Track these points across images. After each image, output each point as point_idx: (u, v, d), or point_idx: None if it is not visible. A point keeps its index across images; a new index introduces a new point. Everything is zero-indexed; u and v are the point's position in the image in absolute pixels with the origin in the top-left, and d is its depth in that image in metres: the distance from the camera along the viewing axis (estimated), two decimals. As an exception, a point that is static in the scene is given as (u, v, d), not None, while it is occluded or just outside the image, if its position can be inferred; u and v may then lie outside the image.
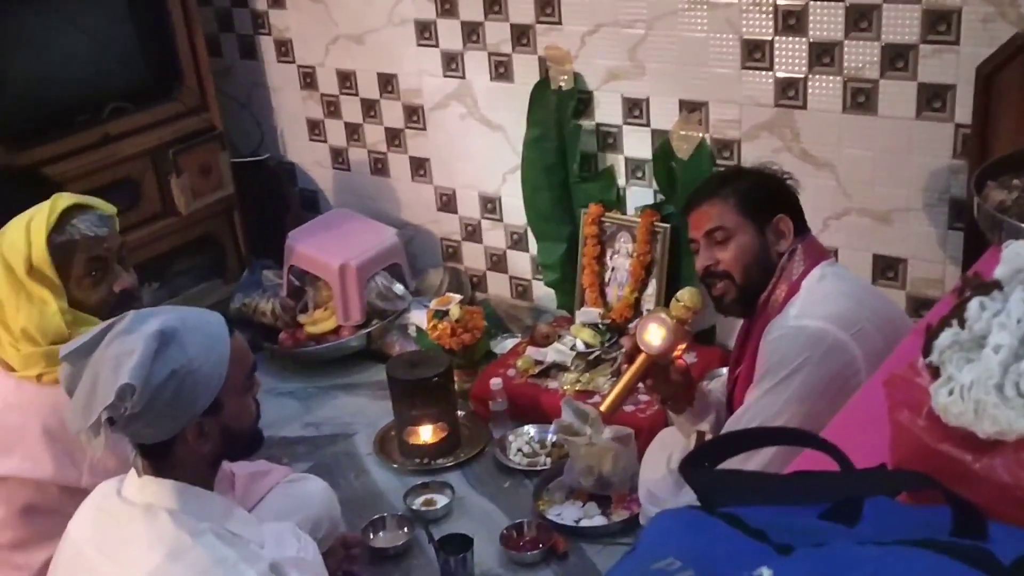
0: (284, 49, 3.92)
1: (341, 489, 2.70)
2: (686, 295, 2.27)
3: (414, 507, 2.79)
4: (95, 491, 1.82)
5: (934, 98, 2.65)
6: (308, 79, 3.90)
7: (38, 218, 2.15)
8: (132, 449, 1.75)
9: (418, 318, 3.50)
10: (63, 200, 2.21)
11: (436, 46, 3.48)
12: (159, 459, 1.72)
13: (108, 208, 2.27)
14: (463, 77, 3.47)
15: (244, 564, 1.67)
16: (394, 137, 3.76)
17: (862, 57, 2.71)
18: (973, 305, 0.97)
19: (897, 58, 2.66)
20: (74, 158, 3.39)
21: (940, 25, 2.57)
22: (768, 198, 2.22)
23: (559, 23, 3.18)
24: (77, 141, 3.42)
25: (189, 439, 1.71)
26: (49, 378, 2.10)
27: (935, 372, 0.97)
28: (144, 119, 3.59)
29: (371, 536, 2.68)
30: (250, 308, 3.68)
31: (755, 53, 2.86)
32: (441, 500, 2.81)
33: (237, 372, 1.76)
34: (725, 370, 2.65)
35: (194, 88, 3.72)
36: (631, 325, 3.18)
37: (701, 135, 3.03)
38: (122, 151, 3.53)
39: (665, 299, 3.04)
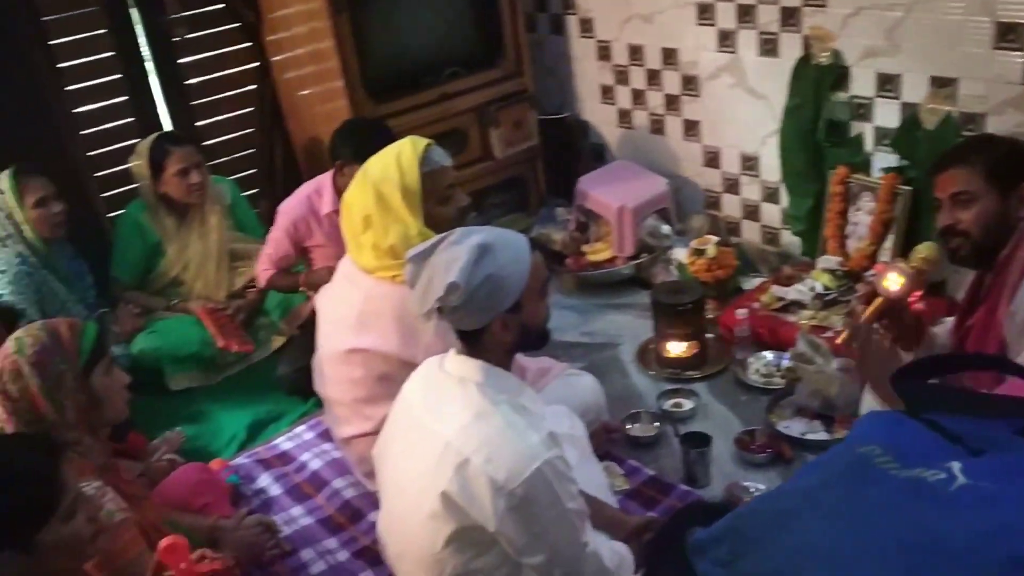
0: (586, 26, 3.96)
1: (606, 386, 2.74)
2: (925, 249, 2.15)
3: (664, 407, 2.83)
4: (423, 364, 1.94)
5: None
6: (604, 51, 3.93)
7: (406, 153, 2.28)
8: (454, 337, 1.87)
9: (680, 254, 3.49)
10: (421, 139, 2.35)
11: (713, 25, 3.42)
12: (472, 343, 1.82)
13: None
14: (734, 52, 3.39)
15: (530, 430, 1.73)
16: (671, 102, 3.74)
17: (1116, 40, 2.42)
18: None
19: None
20: (418, 111, 3.61)
21: None
22: (1015, 167, 2.04)
23: (824, 6, 3.03)
24: (422, 98, 3.64)
25: (495, 330, 1.79)
26: (399, 279, 2.24)
27: None
28: (473, 81, 3.75)
29: (628, 426, 2.74)
30: (545, 237, 3.80)
31: (1008, 35, 2.62)
32: (687, 404, 2.83)
33: (535, 281, 1.82)
34: (951, 319, 2.49)
35: (513, 57, 3.85)
36: (867, 274, 3.05)
37: (948, 109, 2.82)
38: (455, 107, 3.72)
39: (901, 253, 2.88)
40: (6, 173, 2.97)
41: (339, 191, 2.92)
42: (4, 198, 2.95)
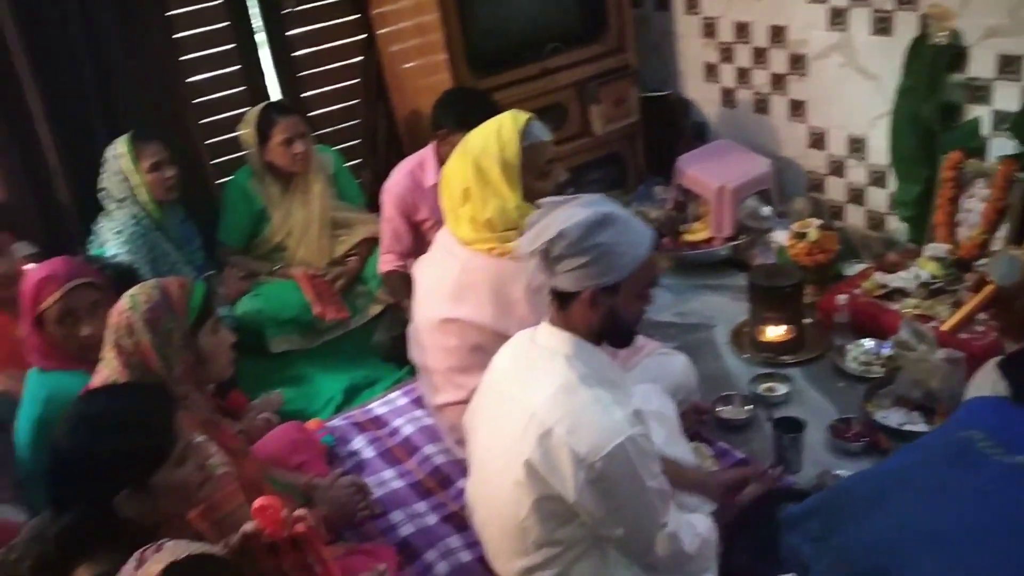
0: (692, 2, 3.90)
1: (698, 367, 2.71)
2: None
3: (757, 391, 2.79)
4: (515, 335, 1.98)
5: None
6: (709, 29, 3.87)
7: (507, 127, 2.30)
8: (547, 312, 1.89)
9: (779, 237, 3.43)
10: (522, 113, 2.36)
11: (824, 2, 3.32)
12: (562, 309, 1.83)
13: None
14: (846, 31, 3.29)
15: (615, 405, 1.74)
16: (777, 81, 3.66)
17: None
18: None
19: None
20: (519, 85, 3.61)
21: None
22: None
23: (944, -17, 2.92)
24: (523, 73, 3.64)
25: (584, 299, 1.78)
26: (496, 252, 2.29)
27: None
28: (575, 57, 3.74)
29: (719, 408, 2.72)
30: (642, 215, 3.76)
31: None
32: (781, 389, 2.79)
33: (641, 276, 1.81)
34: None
35: (616, 33, 3.82)
36: (977, 263, 2.94)
37: (1074, 92, 2.69)
38: (555, 82, 3.71)
39: (1015, 243, 2.77)
40: (124, 137, 3.11)
41: (442, 162, 2.96)
42: (121, 161, 3.09)
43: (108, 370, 1.99)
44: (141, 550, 1.30)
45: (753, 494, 2.08)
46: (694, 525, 1.88)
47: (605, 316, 1.82)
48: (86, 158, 3.23)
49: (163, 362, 1.96)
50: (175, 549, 1.29)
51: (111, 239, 3.06)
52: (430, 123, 3.11)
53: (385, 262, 3.26)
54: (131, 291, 2.03)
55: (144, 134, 3.16)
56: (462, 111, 2.90)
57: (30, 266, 2.77)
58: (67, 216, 3.35)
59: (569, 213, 1.78)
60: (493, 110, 2.47)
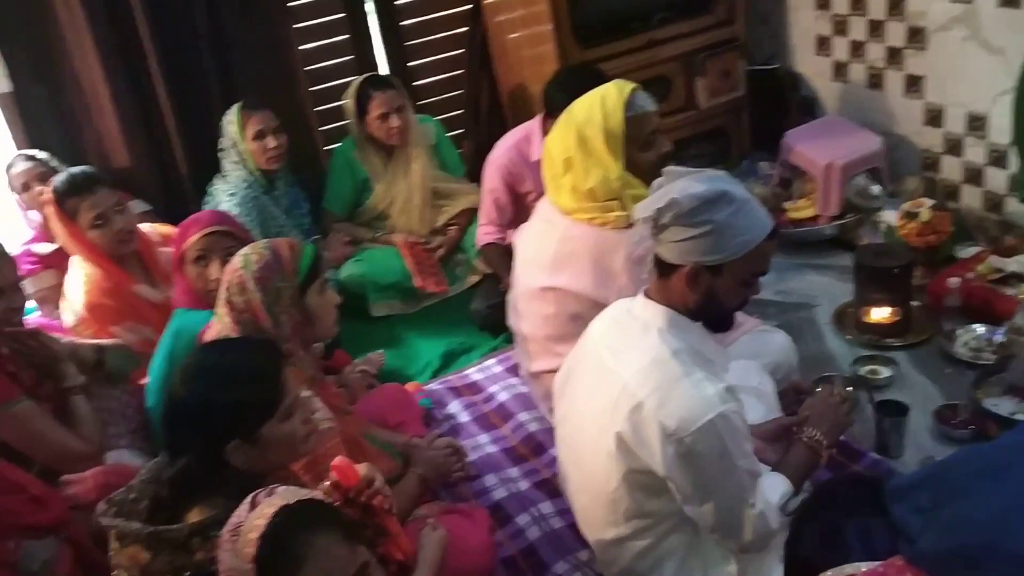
0: (806, -27, 3.80)
1: (799, 347, 2.65)
2: None
3: (859, 373, 2.72)
4: (613, 305, 1.98)
5: None
6: (823, 0, 3.75)
7: (612, 96, 2.28)
8: (646, 282, 1.89)
9: (889, 217, 3.31)
10: (627, 83, 2.34)
11: (948, -27, 3.19)
12: (662, 279, 1.82)
13: None
14: (970, 2, 3.15)
15: (707, 381, 1.72)
16: (894, 55, 3.52)
17: None
18: None
19: None
20: (624, 57, 3.57)
21: None
22: None
23: (1080, -48, 2.76)
24: (629, 44, 3.59)
25: (684, 274, 1.77)
26: (597, 222, 2.29)
27: None
28: (682, 28, 3.67)
29: (819, 388, 2.65)
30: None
31: None
32: (884, 372, 2.72)
33: (748, 263, 1.78)
34: None
35: (725, 4, 3.74)
36: (1103, 249, 2.80)
37: None
38: (662, 54, 3.66)
39: None
40: (236, 106, 3.21)
41: None
42: (232, 128, 3.20)
43: (220, 325, 2.07)
44: (253, 494, 1.36)
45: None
46: (769, 502, 1.83)
47: (703, 295, 1.80)
48: (201, 123, 3.36)
49: (272, 320, 2.03)
50: (287, 494, 1.35)
51: (224, 200, 3.18)
52: (544, 104, 3.05)
53: (484, 234, 3.28)
54: (243, 250, 2.10)
55: (255, 102, 3.25)
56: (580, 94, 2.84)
57: (146, 225, 2.92)
58: (182, 178, 3.48)
59: (687, 184, 1.77)
60: None
